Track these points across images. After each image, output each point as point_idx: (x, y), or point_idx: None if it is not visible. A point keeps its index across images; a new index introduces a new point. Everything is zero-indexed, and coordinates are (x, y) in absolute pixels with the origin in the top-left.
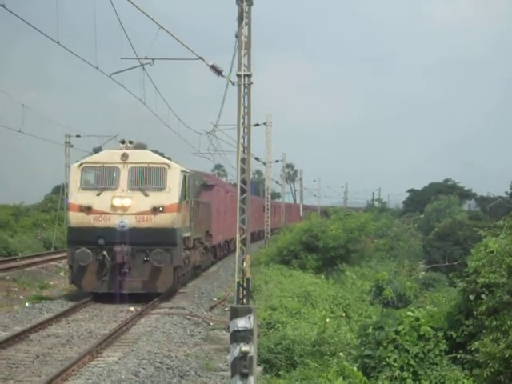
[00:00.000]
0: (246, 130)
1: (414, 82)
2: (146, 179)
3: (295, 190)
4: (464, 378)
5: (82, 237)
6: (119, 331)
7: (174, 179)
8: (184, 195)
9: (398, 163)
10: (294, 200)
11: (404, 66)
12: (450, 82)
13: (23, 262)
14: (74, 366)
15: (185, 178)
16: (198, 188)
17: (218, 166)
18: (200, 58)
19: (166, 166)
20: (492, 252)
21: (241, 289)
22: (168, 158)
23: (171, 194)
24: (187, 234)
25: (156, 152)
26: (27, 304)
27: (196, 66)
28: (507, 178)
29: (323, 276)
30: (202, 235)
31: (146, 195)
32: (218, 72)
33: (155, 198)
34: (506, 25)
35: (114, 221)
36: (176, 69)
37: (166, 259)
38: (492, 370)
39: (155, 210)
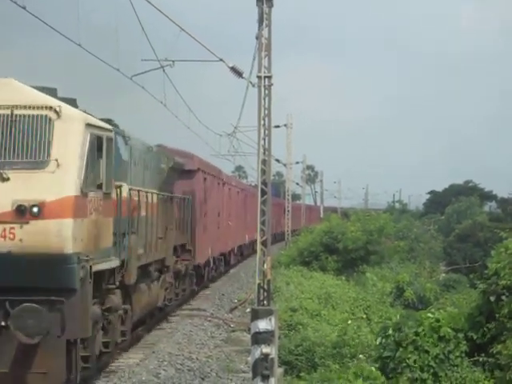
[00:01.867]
0: (266, 131)
1: (434, 79)
2: (6, 143)
3: (316, 192)
4: (485, 379)
5: None
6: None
7: (70, 143)
8: (95, 177)
9: (419, 164)
10: (315, 201)
11: (425, 62)
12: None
13: None
14: None
15: (98, 140)
16: (159, 172)
17: (239, 168)
18: (221, 59)
19: (52, 114)
20: None
21: (261, 290)
22: (70, 101)
23: (61, 177)
24: (110, 263)
25: (41, 89)
26: None
27: (216, 68)
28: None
29: (344, 277)
30: (167, 255)
31: (4, 179)
32: (239, 74)
33: (24, 186)
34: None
35: None
36: (196, 71)
37: (46, 325)
38: None
39: (23, 213)
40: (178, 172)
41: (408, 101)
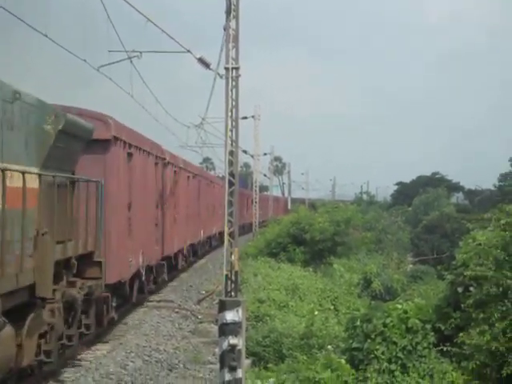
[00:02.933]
0: (233, 123)
1: (410, 76)
2: None
3: (283, 183)
4: (452, 370)
5: None
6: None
7: None
8: None
9: (387, 156)
10: (283, 193)
11: (400, 59)
12: (444, 75)
13: None
14: None
15: None
16: (40, 137)
17: (207, 160)
18: (188, 50)
19: None
20: (480, 245)
21: (229, 282)
22: None
23: None
24: None
25: None
26: None
27: (184, 59)
28: (495, 171)
29: (311, 269)
30: (41, 278)
31: None
32: (206, 65)
33: None
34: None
35: None
36: (164, 61)
37: None
38: (478, 362)
39: None
40: (83, 142)
41: (383, 94)
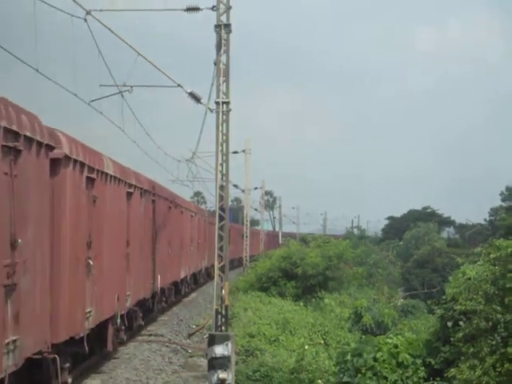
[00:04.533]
0: (224, 157)
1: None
2: None
3: (274, 217)
4: None
5: None
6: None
7: None
8: None
9: (378, 189)
10: (273, 227)
11: (386, 89)
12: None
13: None
14: None
15: None
16: None
17: (198, 194)
18: (179, 85)
19: None
20: (469, 279)
21: (219, 316)
22: None
23: None
24: None
25: None
26: None
27: (175, 94)
28: (486, 206)
29: (302, 303)
30: None
31: None
32: (197, 99)
33: None
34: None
35: None
36: (155, 96)
37: None
38: None
39: None
40: None
41: (375, 124)
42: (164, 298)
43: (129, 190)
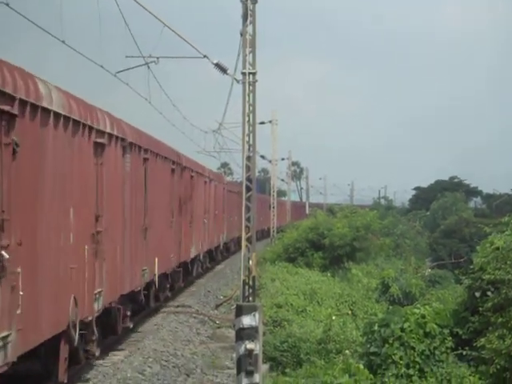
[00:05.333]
0: (251, 127)
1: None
2: None
3: (301, 188)
4: (470, 375)
5: None
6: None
7: None
8: None
9: (405, 160)
10: (300, 198)
11: (415, 63)
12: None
13: None
14: None
15: None
16: None
17: (225, 165)
18: (205, 56)
19: None
20: (498, 249)
21: (246, 287)
22: None
23: None
24: None
25: None
26: None
27: (201, 65)
28: None
29: (329, 274)
30: None
31: None
32: (223, 70)
33: None
34: None
35: None
36: (181, 67)
37: None
38: (498, 366)
39: None
40: None
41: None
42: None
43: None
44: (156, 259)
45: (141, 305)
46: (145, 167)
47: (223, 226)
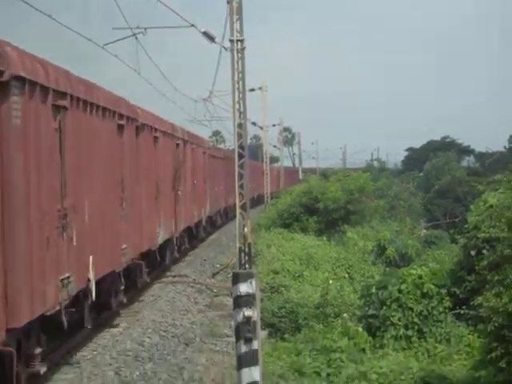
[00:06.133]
0: (241, 95)
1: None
2: None
3: (293, 154)
4: (468, 333)
5: None
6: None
7: None
8: None
9: (397, 122)
10: (293, 163)
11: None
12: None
13: None
14: None
15: None
16: None
17: (216, 133)
18: (192, 25)
19: None
20: (491, 207)
21: (242, 254)
22: None
23: None
24: None
25: None
26: None
27: (189, 34)
28: (506, 132)
29: (325, 238)
30: None
31: None
32: (211, 38)
33: None
34: None
35: None
36: (169, 38)
37: None
38: (496, 324)
39: None
40: None
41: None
42: None
43: None
44: (91, 259)
45: None
46: (59, 121)
47: (205, 198)
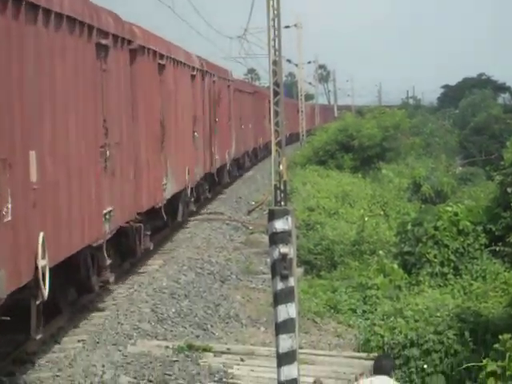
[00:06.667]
0: (276, 32)
1: None
2: None
3: (329, 91)
4: (504, 270)
5: None
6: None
7: None
8: None
9: (432, 58)
10: (328, 101)
11: None
12: None
13: None
14: None
15: None
16: None
17: (251, 71)
18: None
19: None
20: None
21: (278, 191)
22: None
23: None
24: None
25: None
26: None
27: None
28: None
29: (360, 175)
30: None
31: None
32: None
33: None
34: None
35: None
36: None
37: None
38: None
39: None
40: None
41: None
42: None
43: None
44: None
45: None
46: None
47: (230, 138)
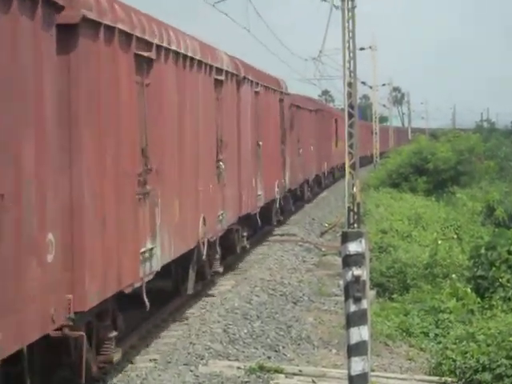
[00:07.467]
0: (351, 54)
1: None
2: None
3: (403, 114)
4: None
5: None
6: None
7: None
8: None
9: (509, 82)
10: (402, 123)
11: None
12: None
13: None
14: None
15: None
16: None
17: (325, 92)
18: None
19: None
20: None
21: (351, 213)
22: None
23: None
24: None
25: None
26: None
27: None
28: None
29: (433, 198)
30: None
31: None
32: None
33: None
34: None
35: None
36: None
37: None
38: None
39: None
40: None
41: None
42: None
43: None
44: None
45: None
46: None
47: (279, 171)
